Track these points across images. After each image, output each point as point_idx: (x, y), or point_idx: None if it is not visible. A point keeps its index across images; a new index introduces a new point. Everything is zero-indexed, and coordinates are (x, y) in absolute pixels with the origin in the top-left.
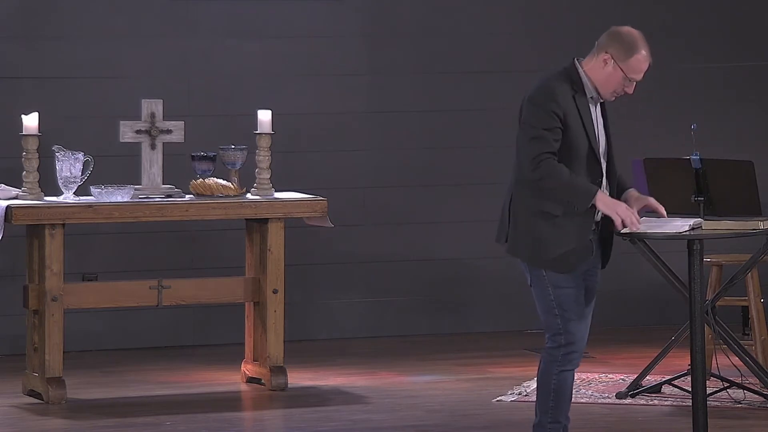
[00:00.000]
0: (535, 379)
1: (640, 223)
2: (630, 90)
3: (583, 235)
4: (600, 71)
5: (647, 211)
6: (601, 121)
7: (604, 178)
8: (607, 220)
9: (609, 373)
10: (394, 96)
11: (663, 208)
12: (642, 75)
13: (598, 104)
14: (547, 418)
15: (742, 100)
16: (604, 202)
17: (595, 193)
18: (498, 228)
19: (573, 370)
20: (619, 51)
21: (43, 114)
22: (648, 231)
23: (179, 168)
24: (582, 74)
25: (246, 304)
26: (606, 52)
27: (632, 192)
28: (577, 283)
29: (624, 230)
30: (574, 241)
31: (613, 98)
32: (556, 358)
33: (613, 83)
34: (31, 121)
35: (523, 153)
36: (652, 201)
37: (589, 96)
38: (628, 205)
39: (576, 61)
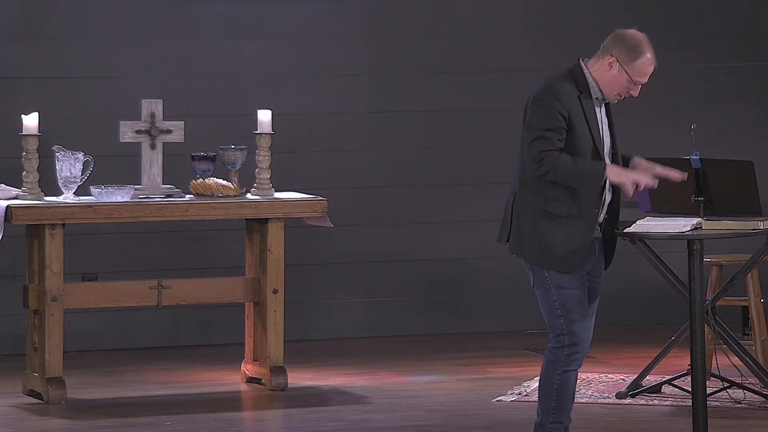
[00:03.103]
0: (536, 378)
1: (655, 181)
2: (635, 93)
3: (586, 235)
4: (605, 73)
5: (646, 212)
6: (605, 121)
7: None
8: (610, 222)
9: (609, 373)
10: (394, 96)
11: (672, 173)
12: (647, 78)
13: (603, 105)
14: (549, 418)
15: (742, 100)
16: (616, 173)
17: (604, 169)
18: (500, 228)
19: (576, 370)
20: (624, 54)
21: (43, 114)
22: (648, 231)
23: (179, 168)
24: (587, 75)
25: (246, 304)
26: (611, 55)
27: (638, 160)
28: (581, 283)
29: (626, 229)
30: (578, 241)
31: (617, 101)
32: (559, 358)
33: (617, 86)
34: (31, 121)
35: (526, 153)
36: (660, 169)
37: (594, 97)
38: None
39: (581, 62)
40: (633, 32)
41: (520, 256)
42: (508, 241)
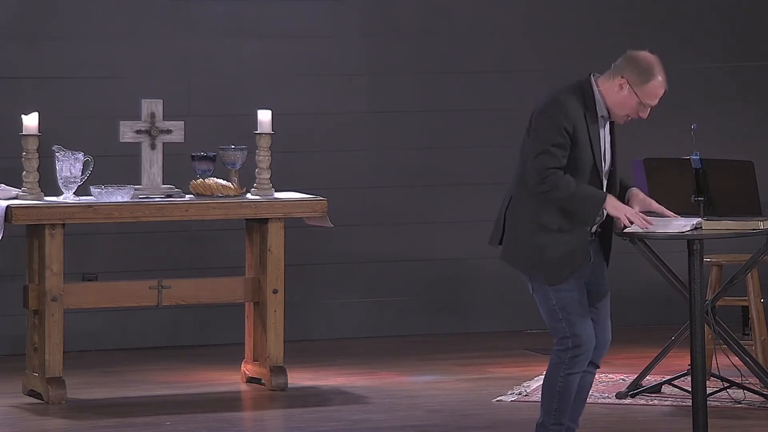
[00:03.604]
0: (536, 378)
1: (651, 223)
2: (644, 114)
3: (580, 245)
4: (615, 94)
5: (649, 212)
6: (608, 139)
7: None
8: (606, 224)
9: (609, 373)
10: (394, 96)
11: (667, 210)
12: (657, 101)
13: (608, 122)
14: (550, 419)
15: (742, 100)
16: (614, 206)
17: (604, 199)
18: (493, 230)
19: (579, 372)
20: (635, 76)
21: (43, 114)
22: (648, 231)
23: (179, 168)
24: (596, 92)
25: (246, 304)
26: (622, 76)
27: (635, 192)
28: (578, 285)
29: (626, 229)
30: (570, 252)
31: (624, 122)
32: (563, 360)
33: (627, 107)
34: (31, 121)
35: (530, 166)
36: (656, 205)
37: (600, 115)
38: (631, 205)
39: (592, 78)
40: (645, 54)
41: (513, 265)
42: (499, 244)
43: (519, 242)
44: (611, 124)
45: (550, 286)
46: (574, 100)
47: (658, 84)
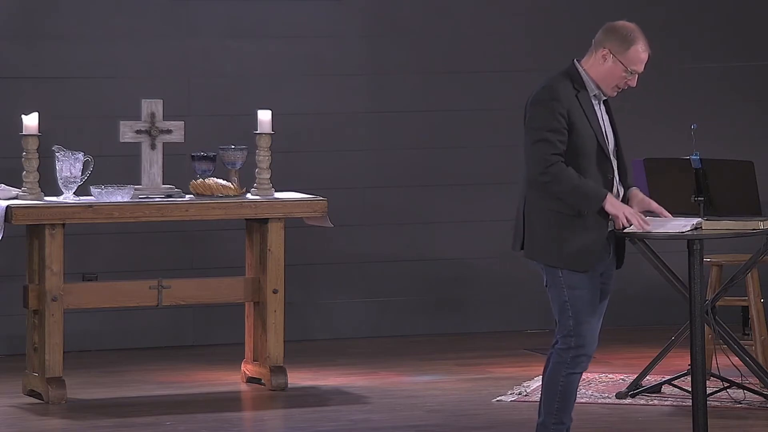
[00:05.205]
0: (536, 378)
1: (648, 224)
2: (633, 83)
3: (599, 233)
4: (600, 67)
5: (648, 212)
6: (606, 119)
7: (616, 174)
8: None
9: (609, 373)
10: (394, 96)
11: (665, 211)
12: (643, 66)
13: (602, 102)
14: (551, 419)
15: (742, 100)
16: (612, 203)
17: (604, 197)
18: (513, 235)
19: (581, 373)
20: (617, 44)
21: (43, 114)
22: (648, 231)
23: (179, 168)
24: (582, 73)
25: (246, 304)
26: (604, 48)
27: (635, 191)
28: (593, 284)
29: (626, 229)
30: (590, 238)
31: (615, 93)
32: (565, 360)
33: (614, 78)
34: (31, 121)
35: (529, 156)
36: (655, 205)
37: (591, 94)
38: (630, 205)
39: (575, 62)
40: (623, 23)
41: (534, 259)
42: (522, 248)
43: (538, 234)
44: (606, 104)
45: (574, 273)
46: (564, 84)
47: (640, 48)
